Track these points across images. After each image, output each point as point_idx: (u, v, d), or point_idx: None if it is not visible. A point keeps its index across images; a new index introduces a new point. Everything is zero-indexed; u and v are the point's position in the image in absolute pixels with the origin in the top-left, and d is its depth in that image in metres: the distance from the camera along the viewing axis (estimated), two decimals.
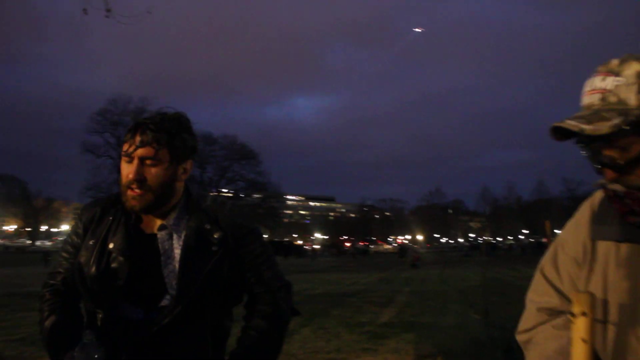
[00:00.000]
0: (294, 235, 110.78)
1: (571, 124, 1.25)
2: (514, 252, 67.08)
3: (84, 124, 52.84)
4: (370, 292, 16.42)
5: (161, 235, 1.76)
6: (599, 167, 1.31)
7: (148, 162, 1.69)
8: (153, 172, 1.69)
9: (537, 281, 1.54)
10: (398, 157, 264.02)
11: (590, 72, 1.34)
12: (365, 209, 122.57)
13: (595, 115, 1.25)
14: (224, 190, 59.99)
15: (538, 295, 1.51)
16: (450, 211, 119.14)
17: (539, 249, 46.97)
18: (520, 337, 1.52)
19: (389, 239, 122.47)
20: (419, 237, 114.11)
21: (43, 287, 1.84)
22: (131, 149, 1.68)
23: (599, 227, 1.38)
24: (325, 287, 18.40)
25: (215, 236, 1.76)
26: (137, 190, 1.68)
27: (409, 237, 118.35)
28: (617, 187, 1.29)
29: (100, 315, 1.72)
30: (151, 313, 1.69)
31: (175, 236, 1.76)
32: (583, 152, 1.33)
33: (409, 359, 6.53)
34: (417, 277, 23.82)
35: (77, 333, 1.46)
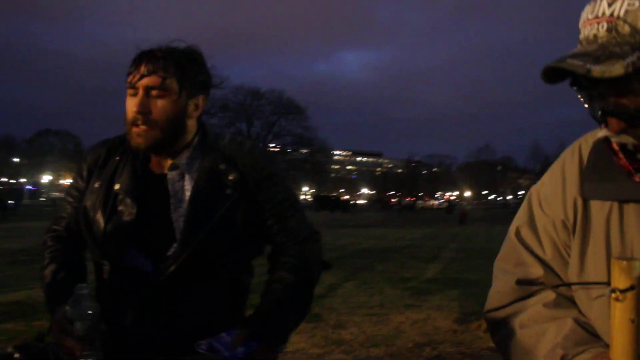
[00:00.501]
0: (340, 190, 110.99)
1: (575, 63, 0.95)
2: None
3: None
4: (415, 247, 16.31)
5: (172, 175, 1.60)
6: (603, 115, 1.03)
7: (154, 92, 1.51)
8: (159, 105, 1.51)
9: (511, 246, 1.24)
10: (447, 112, 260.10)
11: None
12: (412, 164, 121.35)
13: (602, 51, 0.96)
14: (271, 144, 60.36)
15: (513, 264, 1.22)
16: (499, 168, 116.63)
17: None
18: (492, 316, 1.23)
19: (436, 195, 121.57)
20: (467, 194, 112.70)
21: (46, 233, 1.72)
22: (136, 79, 1.51)
23: (594, 184, 1.11)
24: (370, 242, 18.39)
25: (230, 178, 1.57)
26: (142, 126, 1.51)
27: (456, 193, 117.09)
28: (627, 139, 1.03)
29: (106, 267, 1.58)
30: (160, 263, 1.54)
31: (187, 177, 1.60)
32: (581, 97, 1.05)
33: (453, 316, 6.37)
34: (464, 234, 23.56)
35: (76, 285, 1.34)
